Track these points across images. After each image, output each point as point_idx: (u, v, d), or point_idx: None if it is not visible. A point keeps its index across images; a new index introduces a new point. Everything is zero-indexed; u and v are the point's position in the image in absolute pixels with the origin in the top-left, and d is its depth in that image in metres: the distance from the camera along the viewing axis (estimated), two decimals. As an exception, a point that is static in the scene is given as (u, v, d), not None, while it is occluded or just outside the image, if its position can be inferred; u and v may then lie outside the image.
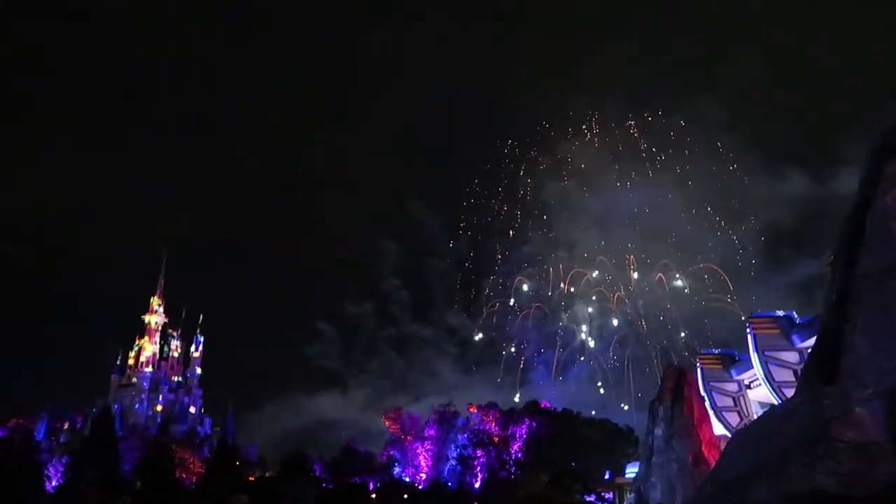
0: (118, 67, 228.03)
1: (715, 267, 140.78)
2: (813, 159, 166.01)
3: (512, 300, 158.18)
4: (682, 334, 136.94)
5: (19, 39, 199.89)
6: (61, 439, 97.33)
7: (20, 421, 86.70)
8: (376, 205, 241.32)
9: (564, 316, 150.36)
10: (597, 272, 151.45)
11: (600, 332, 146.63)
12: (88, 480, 59.97)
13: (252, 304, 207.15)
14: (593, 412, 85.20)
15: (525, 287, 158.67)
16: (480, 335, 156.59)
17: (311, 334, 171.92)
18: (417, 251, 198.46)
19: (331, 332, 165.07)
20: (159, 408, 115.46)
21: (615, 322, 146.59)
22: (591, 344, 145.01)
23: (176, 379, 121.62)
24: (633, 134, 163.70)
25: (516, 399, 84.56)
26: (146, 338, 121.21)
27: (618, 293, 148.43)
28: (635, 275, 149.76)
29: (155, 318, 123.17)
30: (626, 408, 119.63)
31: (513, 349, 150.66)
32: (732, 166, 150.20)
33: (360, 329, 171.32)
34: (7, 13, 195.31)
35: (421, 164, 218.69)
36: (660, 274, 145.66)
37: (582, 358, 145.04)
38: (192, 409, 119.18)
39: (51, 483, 71.96)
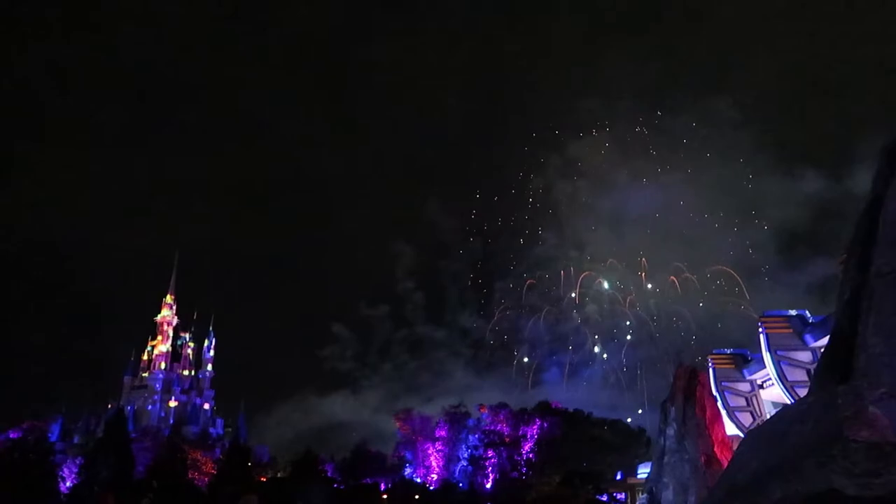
0: (132, 73, 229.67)
1: (728, 269, 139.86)
2: (828, 158, 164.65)
3: (524, 303, 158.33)
4: (694, 336, 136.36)
5: (31, 46, 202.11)
6: (75, 440, 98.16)
7: (35, 422, 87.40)
8: (390, 207, 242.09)
9: (577, 317, 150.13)
10: (609, 274, 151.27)
11: (613, 333, 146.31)
12: (102, 481, 60.38)
13: (266, 306, 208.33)
14: (606, 421, 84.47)
15: (537, 289, 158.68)
16: (493, 337, 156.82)
17: (326, 336, 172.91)
18: (432, 253, 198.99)
19: (345, 334, 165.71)
20: (173, 403, 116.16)
21: (628, 324, 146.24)
22: (604, 354, 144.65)
23: (187, 372, 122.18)
24: (644, 135, 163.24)
25: (528, 407, 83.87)
26: (159, 339, 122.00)
27: (630, 295, 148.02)
28: (647, 279, 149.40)
29: (167, 320, 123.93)
30: (640, 412, 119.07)
31: (525, 356, 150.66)
32: (745, 166, 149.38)
33: (374, 331, 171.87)
34: (19, 20, 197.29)
35: (434, 166, 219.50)
36: (672, 277, 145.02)
37: (593, 361, 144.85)
38: (207, 406, 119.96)
39: (65, 484, 72.51)
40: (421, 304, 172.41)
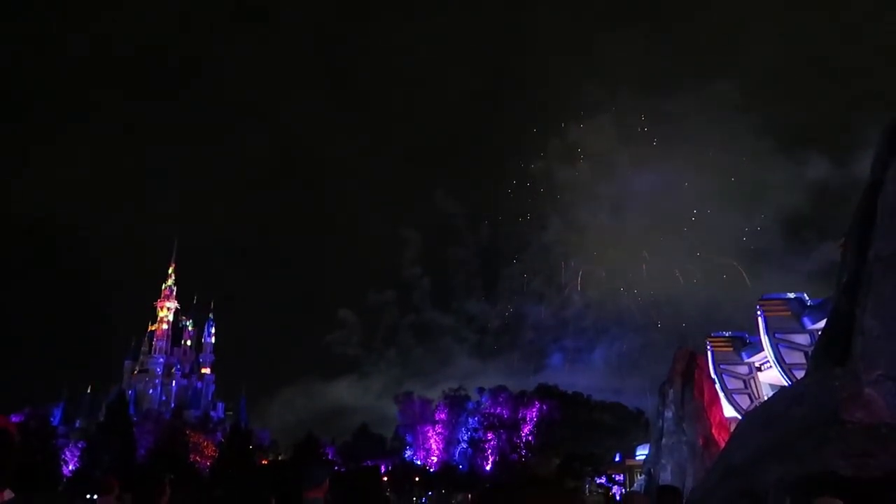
0: (138, 62, 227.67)
1: (731, 255, 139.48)
2: (833, 142, 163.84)
3: (528, 289, 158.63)
4: (695, 321, 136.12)
5: (45, 33, 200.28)
6: (77, 424, 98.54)
7: (37, 407, 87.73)
8: (397, 193, 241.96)
9: (579, 302, 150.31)
10: (611, 259, 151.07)
11: (615, 319, 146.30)
12: (105, 465, 60.80)
13: (270, 292, 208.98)
14: (605, 403, 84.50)
15: (541, 275, 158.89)
16: (497, 323, 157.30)
17: (332, 322, 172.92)
18: (439, 239, 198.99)
19: (352, 319, 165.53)
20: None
21: (630, 309, 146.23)
22: (606, 340, 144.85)
23: (188, 354, 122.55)
24: (645, 119, 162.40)
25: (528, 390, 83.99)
26: (159, 323, 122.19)
27: (631, 280, 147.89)
28: (649, 264, 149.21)
29: (167, 304, 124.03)
30: (645, 396, 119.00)
31: (529, 342, 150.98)
32: (748, 151, 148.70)
33: (380, 317, 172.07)
34: (29, 10, 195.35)
35: (439, 153, 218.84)
36: (673, 261, 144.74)
37: (596, 347, 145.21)
38: (208, 389, 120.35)
39: (67, 467, 73.01)
40: (428, 289, 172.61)
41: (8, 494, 2.71)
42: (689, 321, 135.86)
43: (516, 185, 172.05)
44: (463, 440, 78.74)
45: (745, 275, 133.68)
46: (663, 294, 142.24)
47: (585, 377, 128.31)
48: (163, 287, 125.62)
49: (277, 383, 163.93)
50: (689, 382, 27.43)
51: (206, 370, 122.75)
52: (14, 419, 76.73)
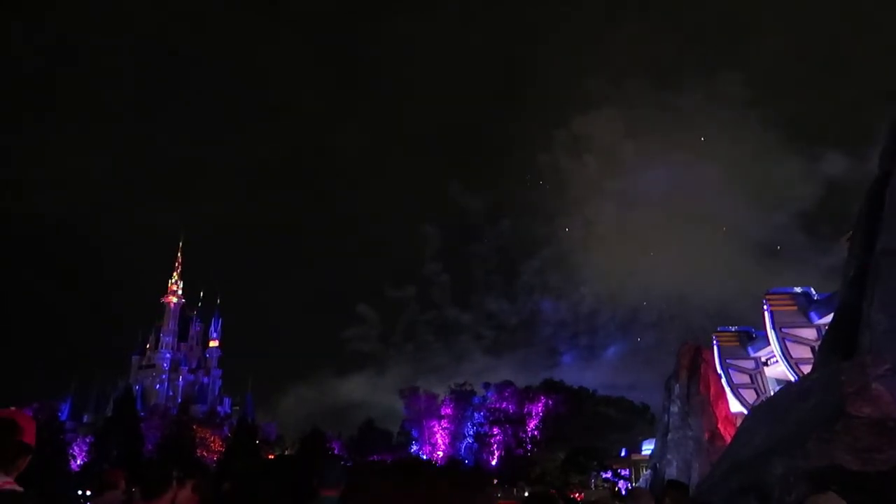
0: (148, 55, 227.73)
1: (744, 256, 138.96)
2: (846, 136, 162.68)
3: (543, 285, 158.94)
4: (710, 316, 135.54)
5: (48, 27, 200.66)
6: (85, 419, 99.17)
7: (45, 401, 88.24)
8: (415, 190, 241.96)
9: (593, 298, 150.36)
10: (627, 254, 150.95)
11: (628, 314, 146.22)
12: (112, 459, 61.16)
13: (285, 288, 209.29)
14: (610, 398, 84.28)
15: (557, 270, 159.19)
16: (513, 319, 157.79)
17: (347, 318, 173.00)
18: (458, 235, 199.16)
19: (371, 315, 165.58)
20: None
21: (643, 304, 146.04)
22: (619, 335, 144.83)
23: (194, 351, 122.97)
24: (654, 112, 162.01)
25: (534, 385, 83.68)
26: (166, 319, 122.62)
27: (647, 275, 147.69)
28: (665, 257, 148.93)
29: (174, 299, 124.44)
30: (655, 391, 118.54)
31: (544, 338, 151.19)
32: (759, 145, 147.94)
33: (399, 313, 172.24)
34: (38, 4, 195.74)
35: (456, 149, 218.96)
36: (691, 265, 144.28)
37: (609, 342, 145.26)
38: (215, 385, 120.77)
39: (76, 462, 73.47)
40: (448, 285, 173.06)
41: None
42: (702, 316, 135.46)
43: (530, 180, 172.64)
44: (469, 435, 78.89)
45: (755, 271, 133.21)
46: (677, 289, 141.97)
47: (598, 373, 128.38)
48: (169, 282, 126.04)
49: (287, 379, 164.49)
50: (695, 377, 27.34)
51: (213, 365, 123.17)
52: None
